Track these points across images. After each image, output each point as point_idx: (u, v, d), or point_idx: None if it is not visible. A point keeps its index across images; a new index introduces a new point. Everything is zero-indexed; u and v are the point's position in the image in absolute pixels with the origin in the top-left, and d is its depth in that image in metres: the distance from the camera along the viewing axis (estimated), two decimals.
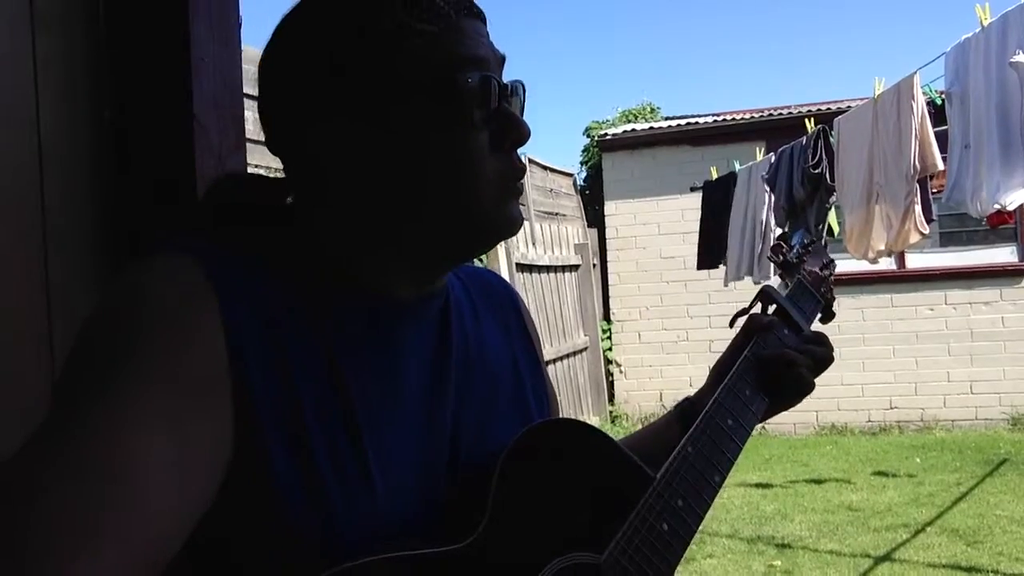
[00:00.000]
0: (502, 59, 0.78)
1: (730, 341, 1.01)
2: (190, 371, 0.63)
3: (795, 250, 1.08)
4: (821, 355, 0.98)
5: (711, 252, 6.59)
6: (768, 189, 5.62)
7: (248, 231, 0.76)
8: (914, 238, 4.25)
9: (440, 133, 0.72)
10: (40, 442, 0.59)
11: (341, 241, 0.75)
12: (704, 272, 7.03)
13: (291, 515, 0.64)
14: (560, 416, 0.92)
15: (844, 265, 7.42)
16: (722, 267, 6.45)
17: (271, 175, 0.89)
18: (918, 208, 4.18)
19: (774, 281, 1.11)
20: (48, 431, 0.59)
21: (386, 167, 0.73)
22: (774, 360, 0.94)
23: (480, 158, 0.73)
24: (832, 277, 1.12)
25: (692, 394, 0.99)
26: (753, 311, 1.02)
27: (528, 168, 8.65)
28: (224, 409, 0.64)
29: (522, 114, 0.78)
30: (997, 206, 3.45)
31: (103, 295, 0.68)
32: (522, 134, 0.76)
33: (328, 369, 0.70)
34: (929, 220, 4.24)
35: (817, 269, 1.10)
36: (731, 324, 1.03)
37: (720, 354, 1.01)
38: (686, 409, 0.97)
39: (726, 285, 6.33)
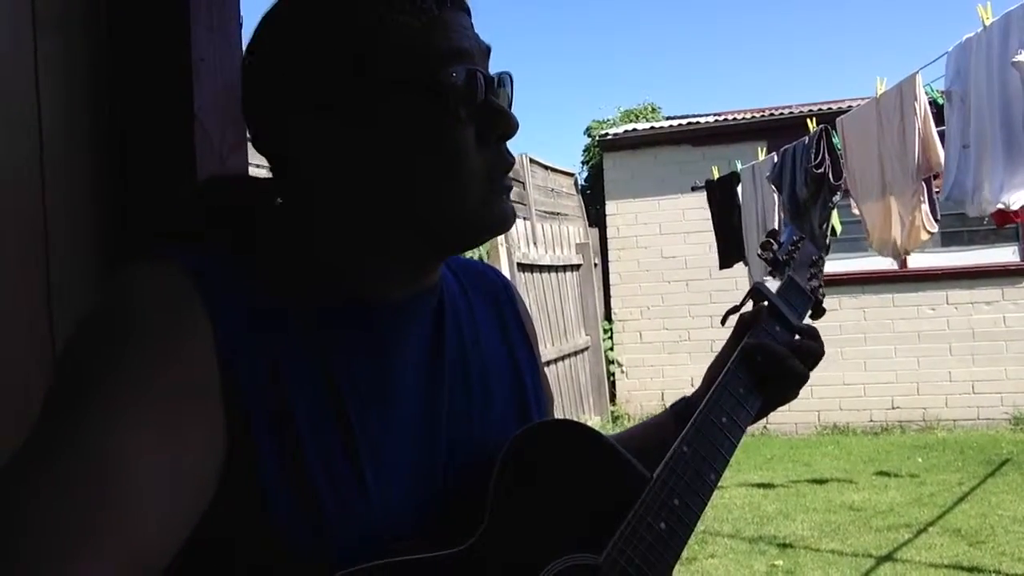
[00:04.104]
0: (487, 50, 0.75)
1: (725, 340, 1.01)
2: (180, 378, 0.63)
3: (784, 247, 1.09)
4: (811, 349, 0.98)
5: (729, 251, 6.55)
6: (775, 189, 5.61)
7: (237, 235, 0.75)
8: (923, 236, 4.27)
9: (425, 130, 0.71)
10: (34, 448, 0.58)
11: (328, 242, 0.74)
12: (705, 272, 7.01)
13: (282, 519, 0.64)
14: (556, 416, 0.91)
15: (845, 265, 7.49)
16: (739, 266, 6.41)
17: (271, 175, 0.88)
18: (925, 207, 4.20)
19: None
20: (42, 438, 0.59)
21: (370, 166, 0.71)
22: (764, 356, 0.93)
23: (467, 154, 0.72)
24: (822, 273, 1.13)
25: (689, 394, 0.99)
26: (744, 309, 1.02)
27: (529, 168, 8.60)
28: (215, 416, 0.63)
29: (510, 106, 0.76)
30: (1000, 205, 3.45)
31: (92, 304, 0.67)
32: (510, 127, 0.74)
33: (319, 373, 0.69)
34: (936, 219, 4.25)
35: (807, 265, 1.10)
36: (723, 322, 1.03)
37: None
38: (681, 409, 0.97)
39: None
